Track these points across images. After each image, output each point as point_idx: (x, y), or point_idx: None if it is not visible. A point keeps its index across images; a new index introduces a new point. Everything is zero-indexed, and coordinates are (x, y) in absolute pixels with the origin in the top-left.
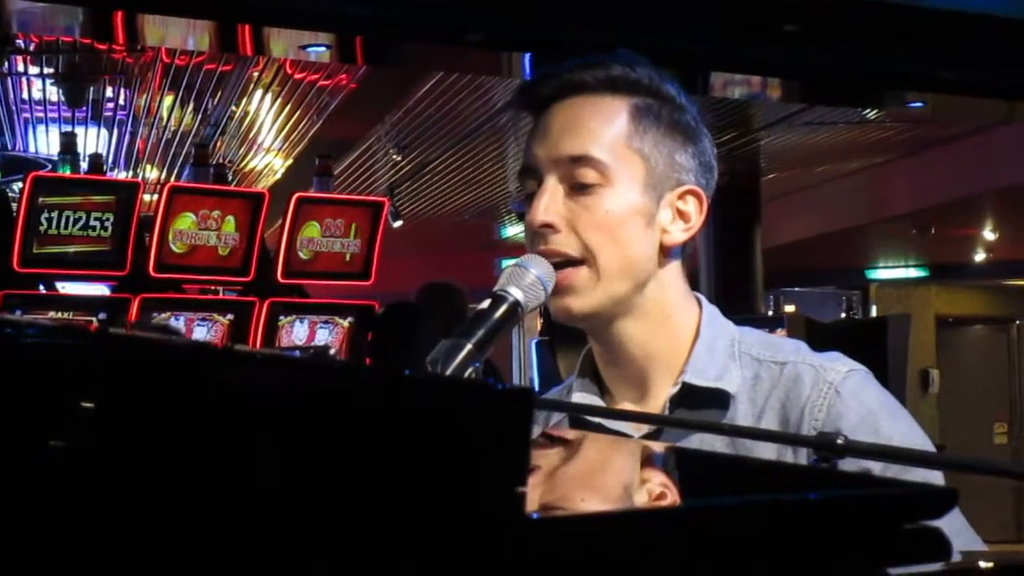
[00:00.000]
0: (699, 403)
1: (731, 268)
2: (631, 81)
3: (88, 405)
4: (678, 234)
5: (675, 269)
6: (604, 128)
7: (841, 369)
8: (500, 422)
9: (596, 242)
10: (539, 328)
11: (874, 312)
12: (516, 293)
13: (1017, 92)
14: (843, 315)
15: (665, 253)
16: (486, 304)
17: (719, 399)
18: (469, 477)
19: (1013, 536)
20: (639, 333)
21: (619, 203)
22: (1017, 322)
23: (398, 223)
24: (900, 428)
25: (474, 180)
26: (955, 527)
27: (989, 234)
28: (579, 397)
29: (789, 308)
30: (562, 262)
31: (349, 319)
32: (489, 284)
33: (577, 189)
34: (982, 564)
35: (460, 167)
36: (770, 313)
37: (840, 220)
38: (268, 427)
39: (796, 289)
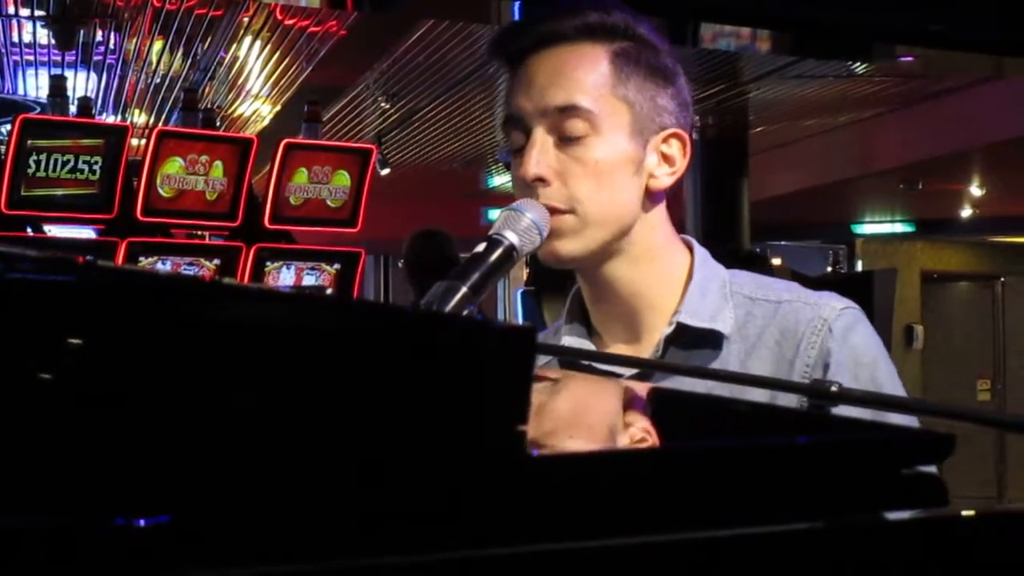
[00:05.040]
0: (692, 343)
1: (718, 221)
2: (608, 27)
3: (77, 339)
4: (664, 178)
5: (660, 212)
6: (588, 76)
7: (836, 306)
8: (502, 360)
9: (584, 192)
10: (525, 277)
11: (859, 267)
12: (511, 237)
13: (1006, 47)
14: (829, 269)
15: (651, 197)
16: (481, 248)
17: (712, 339)
18: (470, 414)
19: (994, 493)
20: (628, 275)
21: (608, 152)
22: (1002, 279)
23: (386, 171)
24: (882, 375)
25: (462, 129)
26: None
27: (976, 190)
28: (569, 340)
29: (775, 261)
30: (552, 210)
31: (336, 265)
32: (475, 233)
33: (566, 140)
34: (964, 512)
35: (448, 116)
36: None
37: (827, 174)
38: (264, 361)
39: (782, 243)
